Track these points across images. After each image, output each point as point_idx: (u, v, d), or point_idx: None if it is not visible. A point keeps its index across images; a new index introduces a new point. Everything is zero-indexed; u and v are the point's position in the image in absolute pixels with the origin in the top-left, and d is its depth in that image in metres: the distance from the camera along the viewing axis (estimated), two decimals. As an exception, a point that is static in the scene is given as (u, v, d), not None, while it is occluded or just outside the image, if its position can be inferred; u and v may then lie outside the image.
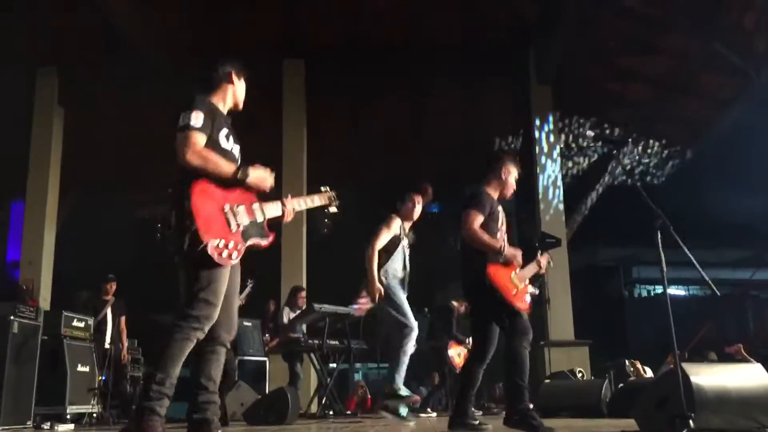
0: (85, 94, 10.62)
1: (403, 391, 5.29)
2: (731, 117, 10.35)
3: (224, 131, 3.05)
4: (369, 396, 10.86)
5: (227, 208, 2.87)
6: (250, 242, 2.94)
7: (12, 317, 5.67)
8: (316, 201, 3.47)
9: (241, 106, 3.27)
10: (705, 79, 9.92)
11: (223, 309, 2.93)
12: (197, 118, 2.90)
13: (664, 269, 3.36)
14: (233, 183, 2.93)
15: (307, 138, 10.78)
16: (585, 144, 11.13)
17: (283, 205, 3.18)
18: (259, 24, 10.03)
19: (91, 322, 7.03)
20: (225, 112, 3.18)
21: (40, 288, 9.72)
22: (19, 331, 5.73)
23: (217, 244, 2.75)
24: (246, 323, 8.90)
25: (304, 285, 9.50)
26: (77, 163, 11.03)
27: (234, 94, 3.21)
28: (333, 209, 3.54)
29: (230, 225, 2.85)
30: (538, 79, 10.56)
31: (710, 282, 3.58)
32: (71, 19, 9.56)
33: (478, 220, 3.99)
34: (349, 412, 8.04)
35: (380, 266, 5.31)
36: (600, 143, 10.77)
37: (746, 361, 7.16)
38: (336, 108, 11.94)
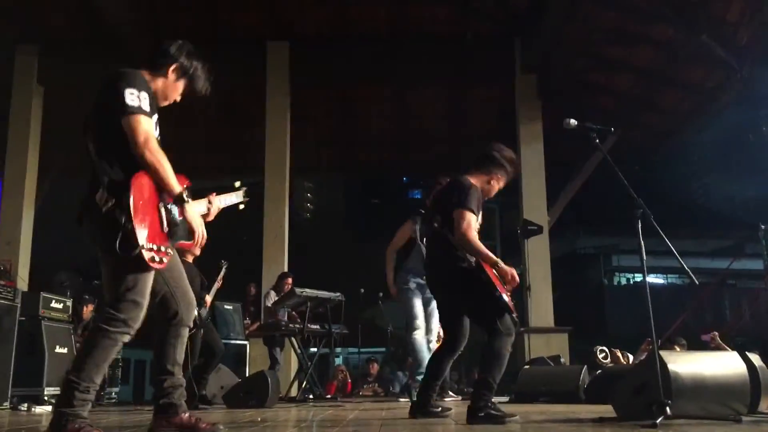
0: (65, 72, 10.36)
1: None
2: (715, 108, 10.41)
3: (155, 117, 2.75)
4: (349, 380, 10.92)
5: (161, 206, 2.64)
6: (175, 243, 2.74)
7: (-11, 298, 5.64)
8: (233, 198, 3.25)
9: (164, 103, 2.90)
10: (689, 71, 9.96)
11: (180, 291, 2.84)
12: (146, 101, 2.62)
13: (644, 258, 3.39)
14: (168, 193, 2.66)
15: (291, 124, 10.64)
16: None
17: (209, 202, 2.95)
18: (243, 3, 9.89)
19: (69, 303, 6.97)
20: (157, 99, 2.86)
21: (18, 269, 9.61)
22: (-5, 311, 5.69)
23: (151, 248, 2.54)
24: (227, 306, 8.86)
25: (286, 268, 9.47)
26: (57, 143, 10.86)
27: (161, 88, 2.85)
28: (242, 205, 3.41)
29: (162, 226, 2.63)
30: (523, 68, 10.55)
31: (689, 271, 3.61)
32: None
33: (474, 222, 3.69)
34: (329, 396, 8.07)
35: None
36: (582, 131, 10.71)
37: (721, 348, 7.26)
38: (321, 93, 11.85)
